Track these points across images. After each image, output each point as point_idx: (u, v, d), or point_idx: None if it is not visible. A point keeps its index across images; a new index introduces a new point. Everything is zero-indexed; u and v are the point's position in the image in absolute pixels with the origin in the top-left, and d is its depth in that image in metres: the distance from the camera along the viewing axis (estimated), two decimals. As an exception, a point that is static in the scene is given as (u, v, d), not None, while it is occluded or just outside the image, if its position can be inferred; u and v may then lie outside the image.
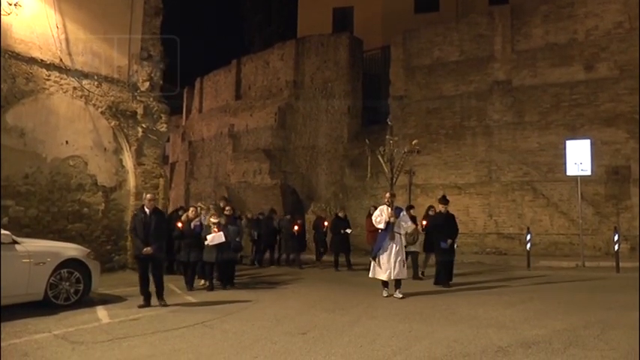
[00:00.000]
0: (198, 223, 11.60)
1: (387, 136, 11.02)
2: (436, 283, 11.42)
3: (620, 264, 13.67)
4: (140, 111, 14.61)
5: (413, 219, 12.73)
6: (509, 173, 18.86)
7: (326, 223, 17.48)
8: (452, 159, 20.04)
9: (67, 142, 13.23)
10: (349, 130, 23.08)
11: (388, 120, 11.65)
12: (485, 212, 18.93)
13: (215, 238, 11.04)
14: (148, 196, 9.50)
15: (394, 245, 9.88)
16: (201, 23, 47.88)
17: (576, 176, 15.90)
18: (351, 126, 23.21)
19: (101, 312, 8.59)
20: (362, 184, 21.23)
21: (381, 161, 10.83)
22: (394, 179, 10.64)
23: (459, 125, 20.13)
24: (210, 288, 11.16)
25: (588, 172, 15.82)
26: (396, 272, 9.80)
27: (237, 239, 12.10)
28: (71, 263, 9.00)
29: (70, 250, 9.36)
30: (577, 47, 18.24)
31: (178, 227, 11.93)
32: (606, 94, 17.54)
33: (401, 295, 9.74)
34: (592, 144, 16.02)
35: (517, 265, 15.18)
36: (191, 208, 12.45)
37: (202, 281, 11.80)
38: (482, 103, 19.72)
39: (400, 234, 10.05)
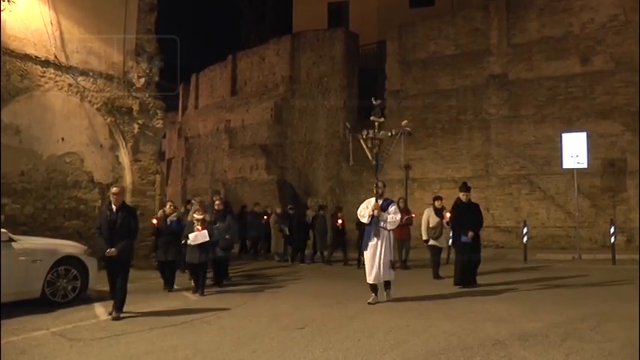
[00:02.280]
0: (174, 219, 10.81)
1: (372, 117, 9.48)
2: (457, 283, 10.22)
3: (617, 256, 13.72)
4: (136, 107, 14.57)
5: (439, 211, 12.08)
6: (506, 167, 18.90)
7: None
8: (448, 153, 20.07)
9: (62, 139, 13.18)
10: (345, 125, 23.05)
11: (373, 99, 9.78)
12: (481, 206, 18.93)
13: (198, 237, 10.03)
14: (114, 189, 8.31)
15: (379, 242, 8.77)
16: (197, 19, 47.75)
17: (572, 169, 15.94)
18: (347, 121, 23.17)
19: (99, 309, 8.59)
20: (359, 179, 21.25)
21: (364, 146, 9.40)
22: (379, 166, 9.37)
23: (456, 119, 20.15)
24: (196, 290, 10.17)
25: (584, 165, 15.85)
26: (381, 274, 8.76)
27: (227, 236, 11.33)
28: (68, 260, 8.98)
29: (67, 247, 9.34)
30: (573, 40, 18.26)
31: (153, 223, 11.30)
32: (602, 87, 17.57)
33: (386, 298, 8.86)
34: (588, 137, 16.04)
35: (514, 259, 15.22)
36: (168, 203, 11.52)
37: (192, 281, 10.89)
38: (479, 97, 19.74)
39: (387, 229, 8.87)
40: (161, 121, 15.30)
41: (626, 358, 5.44)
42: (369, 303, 8.60)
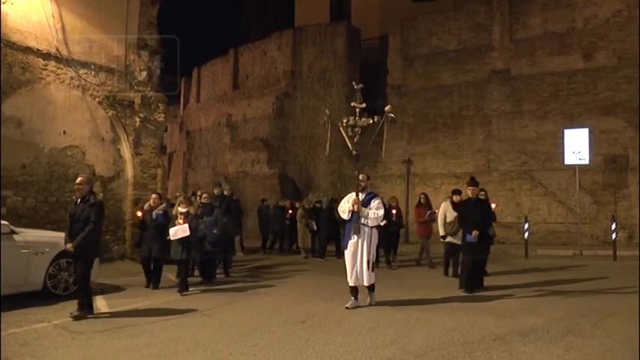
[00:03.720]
0: (160, 212, 10.08)
1: (352, 103, 8.55)
2: (463, 287, 9.40)
3: (618, 252, 13.75)
4: (137, 101, 14.56)
5: (457, 206, 11.14)
6: (508, 162, 18.89)
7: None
8: (450, 148, 20.05)
9: (64, 132, 13.18)
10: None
11: (354, 83, 8.90)
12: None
13: (178, 231, 9.38)
14: (77, 179, 7.79)
15: (359, 241, 7.91)
16: (199, 13, 47.66)
17: (574, 165, 15.93)
18: (348, 115, 23.11)
19: (100, 302, 8.59)
20: (360, 174, 21.23)
21: (343, 134, 8.50)
22: (360, 156, 8.46)
23: (457, 114, 20.13)
24: (183, 288, 9.47)
25: (586, 161, 15.84)
26: (363, 276, 7.94)
27: (215, 231, 10.60)
28: (70, 253, 8.98)
29: (69, 240, 9.34)
30: (575, 36, 18.21)
31: (138, 216, 10.77)
32: (604, 82, 17.54)
33: (369, 302, 8.06)
34: (590, 133, 16.03)
35: (515, 254, 15.22)
36: (153, 195, 10.65)
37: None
38: (481, 93, 19.70)
39: (369, 226, 7.99)
40: (163, 115, 15.30)
41: (626, 353, 5.44)
42: (346, 308, 7.83)
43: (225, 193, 12.86)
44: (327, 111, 9.15)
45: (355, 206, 7.96)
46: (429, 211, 13.05)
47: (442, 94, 20.54)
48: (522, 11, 19.31)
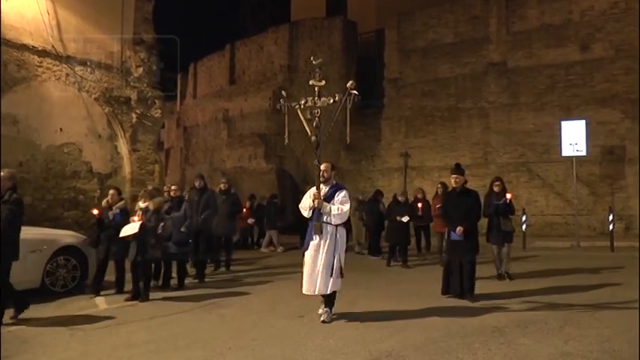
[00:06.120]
0: (117, 211, 8.98)
1: (311, 82, 7.52)
2: (446, 292, 8.16)
3: (615, 243, 13.78)
4: (134, 97, 14.56)
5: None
6: (505, 155, 18.89)
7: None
8: (447, 141, 20.05)
9: (61, 129, 13.17)
10: (344, 114, 22.94)
11: (312, 58, 7.72)
12: (480, 194, 18.92)
13: (128, 228, 8.26)
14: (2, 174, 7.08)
15: (321, 243, 6.69)
16: (195, 8, 47.53)
17: (571, 157, 15.93)
18: (345, 109, 23.05)
19: (98, 298, 8.60)
20: (358, 167, 21.26)
21: (301, 118, 7.56)
22: (320, 142, 7.50)
23: (455, 107, 20.12)
24: (145, 295, 8.32)
25: (583, 153, 15.84)
26: (321, 284, 6.63)
27: (182, 229, 9.43)
28: (68, 250, 8.98)
29: (67, 237, 9.34)
30: (572, 28, 18.18)
31: (94, 214, 9.74)
32: (601, 74, 17.53)
33: (324, 318, 6.69)
34: (587, 124, 16.02)
35: (513, 246, 15.15)
36: (111, 191, 9.44)
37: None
38: (478, 85, 19.69)
39: (332, 224, 6.73)
40: (159, 111, 15.30)
41: (624, 343, 5.46)
42: (323, 321, 6.66)
43: (222, 187, 12.45)
44: (284, 92, 8.11)
45: (316, 201, 6.76)
46: (438, 205, 11.82)
47: (439, 87, 20.53)
48: (519, 3, 19.28)
